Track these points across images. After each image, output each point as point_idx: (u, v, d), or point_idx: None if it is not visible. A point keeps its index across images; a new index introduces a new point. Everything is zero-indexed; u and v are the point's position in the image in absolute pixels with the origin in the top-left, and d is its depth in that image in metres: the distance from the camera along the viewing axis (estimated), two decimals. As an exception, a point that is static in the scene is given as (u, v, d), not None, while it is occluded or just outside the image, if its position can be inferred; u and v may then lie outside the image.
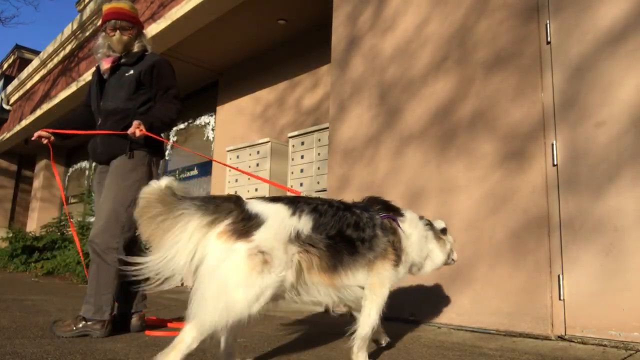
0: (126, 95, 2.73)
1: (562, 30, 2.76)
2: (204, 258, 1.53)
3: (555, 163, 2.67)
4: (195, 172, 8.47)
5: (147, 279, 1.59)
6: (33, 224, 12.40)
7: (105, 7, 2.83)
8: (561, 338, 2.51)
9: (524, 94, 2.83)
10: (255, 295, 1.51)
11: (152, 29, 6.66)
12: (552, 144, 2.69)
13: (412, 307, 3.19)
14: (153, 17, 7.04)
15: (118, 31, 2.78)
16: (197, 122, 8.70)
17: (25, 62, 13.67)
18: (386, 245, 1.79)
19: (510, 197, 2.80)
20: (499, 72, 2.97)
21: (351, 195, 3.75)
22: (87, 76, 8.37)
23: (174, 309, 3.72)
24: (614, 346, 2.32)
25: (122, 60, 2.79)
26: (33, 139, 2.89)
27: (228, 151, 6.17)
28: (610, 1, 2.59)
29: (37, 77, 11.14)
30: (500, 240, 2.80)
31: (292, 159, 5.19)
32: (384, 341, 2.24)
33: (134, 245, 2.60)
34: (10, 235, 10.07)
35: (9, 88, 12.62)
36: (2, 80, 13.85)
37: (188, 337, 1.50)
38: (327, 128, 4.51)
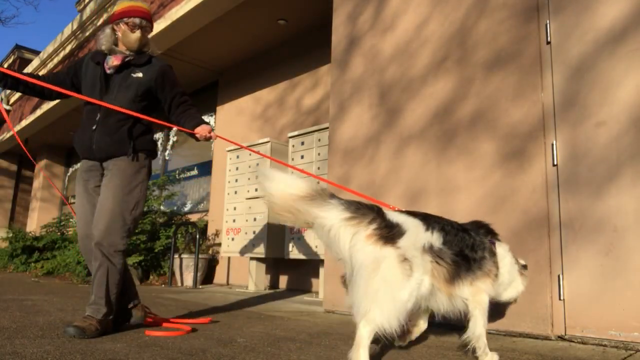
0: (132, 97, 2.72)
1: (562, 30, 2.76)
2: (356, 256, 1.76)
3: (555, 163, 2.67)
4: (195, 172, 8.48)
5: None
6: (33, 224, 12.41)
7: (127, 4, 2.78)
8: (561, 338, 2.51)
9: (524, 94, 2.83)
10: (409, 296, 1.77)
11: (152, 29, 6.66)
12: (552, 144, 2.69)
13: (412, 307, 3.19)
14: (153, 17, 7.03)
15: (140, 30, 2.77)
16: (197, 122, 8.69)
17: (25, 62, 13.68)
18: (491, 266, 2.08)
19: (510, 197, 2.80)
20: (499, 72, 2.97)
21: (351, 196, 3.75)
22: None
23: (173, 309, 3.72)
24: (614, 346, 2.32)
25: (132, 60, 2.77)
26: None
27: (228, 151, 6.17)
28: (610, 1, 2.59)
29: (37, 77, 11.12)
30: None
31: (292, 159, 5.19)
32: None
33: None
34: (10, 235, 10.07)
35: (9, 88, 12.60)
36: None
37: (365, 332, 1.72)
38: (327, 128, 4.51)
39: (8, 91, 12.61)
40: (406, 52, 3.56)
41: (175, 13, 6.20)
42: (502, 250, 2.20)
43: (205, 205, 7.96)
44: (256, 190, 5.59)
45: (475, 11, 3.17)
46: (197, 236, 6.21)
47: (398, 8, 3.67)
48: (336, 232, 1.77)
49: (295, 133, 5.21)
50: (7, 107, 12.93)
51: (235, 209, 5.87)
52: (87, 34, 9.07)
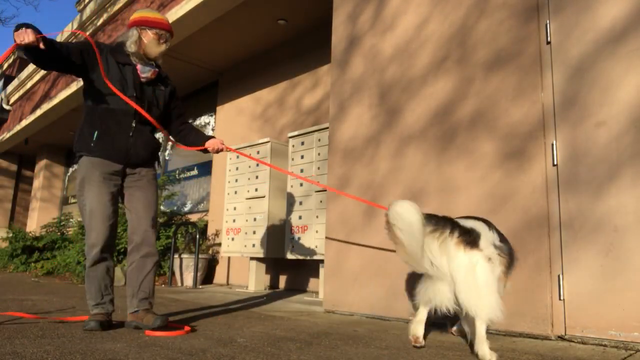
0: (162, 110, 2.89)
1: (562, 30, 2.76)
2: (453, 261, 2.10)
3: (555, 163, 2.67)
4: (195, 172, 8.48)
5: None
6: (33, 224, 12.41)
7: (156, 15, 2.83)
8: (561, 338, 2.51)
9: (524, 94, 2.83)
10: (499, 288, 2.14)
11: (152, 29, 6.66)
12: (552, 144, 2.69)
13: (412, 307, 3.19)
14: (153, 17, 7.02)
15: (165, 44, 2.84)
16: (197, 122, 8.70)
17: (25, 62, 13.66)
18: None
19: (510, 197, 2.80)
20: (499, 72, 2.97)
21: (350, 199, 3.75)
22: (87, 76, 8.35)
23: (173, 309, 3.72)
24: (614, 346, 2.32)
25: (162, 74, 2.90)
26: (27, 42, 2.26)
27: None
28: (610, 1, 2.59)
29: (37, 77, 11.14)
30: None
31: (292, 159, 5.19)
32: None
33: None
34: (10, 235, 10.07)
35: (9, 88, 12.61)
36: (2, 80, 13.85)
37: (483, 329, 2.04)
38: (327, 128, 4.51)
39: (8, 91, 12.62)
40: (406, 52, 3.56)
41: (175, 13, 6.20)
42: None
43: (205, 205, 7.96)
44: (256, 190, 5.59)
45: (475, 11, 3.17)
46: (197, 236, 6.21)
47: (398, 8, 3.67)
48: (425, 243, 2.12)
49: (295, 133, 5.21)
50: (7, 107, 12.92)
51: (235, 209, 5.87)
52: (87, 33, 9.07)
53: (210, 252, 6.94)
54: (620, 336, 2.32)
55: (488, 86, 3.02)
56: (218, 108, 7.92)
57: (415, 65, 3.48)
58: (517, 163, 2.80)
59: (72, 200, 12.41)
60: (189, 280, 6.32)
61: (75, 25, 9.23)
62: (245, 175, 5.82)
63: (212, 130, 8.23)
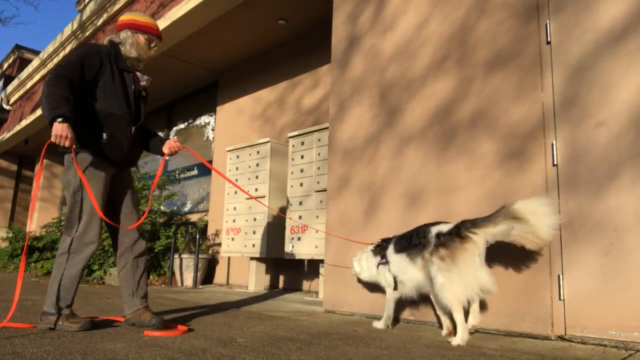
0: (145, 115, 2.92)
1: (562, 30, 2.76)
2: None
3: (555, 163, 2.67)
4: (195, 172, 8.48)
5: None
6: (33, 224, 12.40)
7: (150, 20, 2.88)
8: (561, 338, 2.51)
9: (524, 94, 2.83)
10: None
11: (152, 29, 6.65)
12: (552, 144, 2.69)
13: (412, 307, 3.19)
14: (153, 17, 7.03)
15: (154, 50, 2.91)
16: (197, 122, 8.70)
17: (25, 62, 13.68)
18: None
19: (511, 197, 2.80)
20: (499, 72, 2.97)
21: (351, 195, 3.75)
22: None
23: (173, 309, 3.72)
24: (614, 346, 2.32)
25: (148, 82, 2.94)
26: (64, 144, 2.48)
27: (228, 151, 6.17)
28: (610, 1, 2.59)
29: (37, 77, 11.14)
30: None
31: (292, 159, 5.19)
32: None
33: None
34: (10, 235, 10.07)
35: (9, 88, 12.62)
36: (2, 80, 13.86)
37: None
38: (327, 128, 4.51)
39: (8, 91, 12.62)
40: (406, 52, 3.56)
41: (175, 13, 6.20)
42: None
43: (205, 205, 7.96)
44: (256, 190, 5.59)
45: (475, 11, 3.17)
46: (197, 236, 6.21)
47: (398, 8, 3.67)
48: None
49: (295, 133, 5.21)
50: (7, 107, 12.93)
51: (235, 209, 5.87)
52: (87, 34, 9.07)
53: (210, 252, 6.94)
54: (620, 336, 2.32)
55: (488, 86, 3.02)
56: (218, 108, 7.92)
57: (415, 65, 3.48)
58: (517, 163, 2.80)
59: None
60: (189, 280, 6.32)
61: (75, 26, 9.23)
62: (245, 175, 5.82)
63: (212, 130, 8.23)
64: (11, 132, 12.00)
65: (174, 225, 6.86)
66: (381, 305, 3.39)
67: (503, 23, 3.00)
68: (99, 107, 2.66)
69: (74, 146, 2.50)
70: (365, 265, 3.10)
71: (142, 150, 2.98)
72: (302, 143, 5.10)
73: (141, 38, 2.81)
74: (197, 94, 8.75)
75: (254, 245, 5.48)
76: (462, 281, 2.38)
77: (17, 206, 14.35)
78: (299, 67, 6.49)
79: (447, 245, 2.44)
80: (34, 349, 2.04)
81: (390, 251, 2.88)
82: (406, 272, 2.73)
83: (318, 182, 4.83)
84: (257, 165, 5.65)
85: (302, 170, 5.03)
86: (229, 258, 6.82)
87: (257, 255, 5.46)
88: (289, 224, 5.08)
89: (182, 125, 9.10)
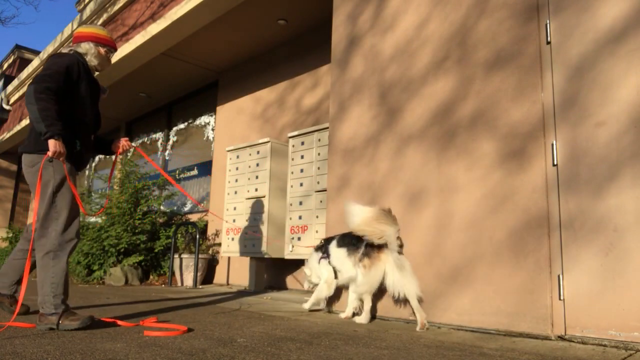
0: None
1: (562, 30, 2.76)
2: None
3: (555, 163, 2.67)
4: (195, 172, 8.48)
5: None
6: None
7: (108, 34, 3.13)
8: (561, 338, 2.51)
9: (524, 94, 2.83)
10: None
11: (152, 29, 6.66)
12: (552, 144, 2.69)
13: (411, 307, 3.19)
14: (153, 17, 7.03)
15: (110, 62, 3.20)
16: (197, 122, 8.70)
17: (25, 62, 13.68)
18: None
19: (510, 196, 2.80)
20: (499, 72, 2.97)
21: (352, 195, 3.75)
22: (87, 76, 8.36)
23: (173, 309, 3.72)
24: (614, 346, 2.32)
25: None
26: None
27: (228, 151, 6.17)
28: (610, 1, 2.59)
29: (37, 77, 11.11)
30: (500, 240, 2.81)
31: (292, 159, 5.19)
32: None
33: None
34: (10, 235, 10.06)
35: (9, 88, 12.61)
36: (2, 80, 13.86)
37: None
38: (327, 128, 4.51)
39: (8, 91, 12.62)
40: (406, 52, 3.56)
41: (175, 13, 6.20)
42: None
43: (205, 205, 7.96)
44: (256, 190, 5.59)
45: (475, 11, 3.17)
46: (197, 236, 6.21)
47: (398, 8, 3.67)
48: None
49: (295, 133, 5.21)
50: (7, 107, 12.92)
51: (235, 209, 5.87)
52: (87, 34, 9.05)
53: (210, 252, 6.94)
54: (620, 336, 2.32)
55: (488, 86, 3.02)
56: (218, 108, 7.92)
57: (415, 65, 3.48)
58: (517, 163, 2.80)
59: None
60: (189, 280, 6.32)
61: (75, 26, 9.23)
62: (245, 175, 5.82)
63: (212, 130, 8.23)
64: (11, 132, 12.00)
65: (174, 225, 6.86)
66: (381, 305, 3.39)
67: (503, 23, 3.00)
68: (74, 116, 2.85)
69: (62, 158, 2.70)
70: (312, 265, 3.58)
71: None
72: (302, 143, 5.10)
73: (102, 50, 3.07)
74: (197, 94, 8.75)
75: (253, 245, 5.48)
76: (373, 280, 3.10)
77: (17, 206, 14.35)
78: (299, 67, 6.49)
79: (369, 255, 3.11)
80: (34, 349, 2.04)
81: (333, 246, 3.43)
82: (344, 264, 3.30)
83: (318, 182, 4.83)
84: (257, 165, 5.65)
85: (302, 170, 5.03)
86: (228, 258, 6.81)
87: (257, 255, 5.46)
88: (288, 224, 5.09)
89: (182, 125, 9.10)
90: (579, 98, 2.63)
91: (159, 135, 9.70)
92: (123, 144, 3.22)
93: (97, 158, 12.09)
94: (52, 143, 2.58)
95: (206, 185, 8.10)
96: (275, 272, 6.17)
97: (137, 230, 6.76)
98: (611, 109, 2.50)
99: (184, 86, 8.71)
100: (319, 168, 4.85)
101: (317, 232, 4.71)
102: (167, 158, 9.31)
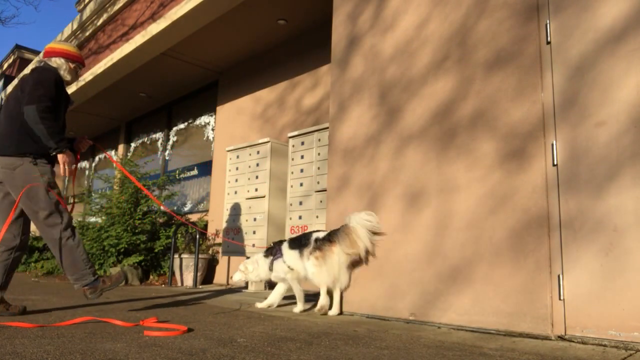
0: None
1: (562, 30, 2.76)
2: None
3: (555, 163, 2.67)
4: (195, 172, 8.48)
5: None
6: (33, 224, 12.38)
7: (78, 51, 3.46)
8: (561, 338, 2.51)
9: (524, 93, 2.83)
10: None
11: (152, 29, 6.67)
12: (552, 144, 2.69)
13: (412, 307, 3.19)
14: (153, 17, 7.04)
15: (78, 76, 3.53)
16: (197, 122, 8.70)
17: (25, 62, 13.69)
18: None
19: (511, 196, 2.81)
20: (499, 72, 2.97)
21: (351, 195, 3.75)
22: (87, 76, 8.38)
23: (173, 308, 3.72)
24: (614, 346, 2.32)
25: None
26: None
27: (228, 151, 6.17)
28: (610, 1, 2.59)
29: (37, 77, 11.12)
30: (500, 240, 2.81)
31: (292, 159, 5.19)
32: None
33: None
34: None
35: (9, 88, 12.62)
36: (2, 80, 13.86)
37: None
38: (327, 128, 4.51)
39: (8, 91, 12.62)
40: (406, 52, 3.56)
41: (175, 13, 6.20)
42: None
43: (205, 205, 7.96)
44: (256, 190, 5.59)
45: (475, 11, 3.17)
46: (197, 236, 6.21)
47: (398, 8, 3.67)
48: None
49: (295, 133, 5.21)
50: (7, 107, 12.92)
51: (235, 208, 5.87)
52: (87, 33, 9.07)
53: (210, 252, 6.95)
54: (620, 336, 2.32)
55: (488, 86, 3.02)
56: (218, 108, 7.92)
57: (415, 65, 3.48)
58: (517, 163, 2.80)
59: (71, 201, 12.39)
60: (189, 280, 6.32)
61: (75, 26, 9.24)
62: (245, 175, 5.82)
63: (212, 130, 8.23)
64: (11, 132, 11.98)
65: (174, 225, 6.86)
66: (382, 305, 3.39)
67: (503, 23, 3.00)
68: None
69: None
70: (258, 267, 3.99)
71: None
72: (302, 143, 5.10)
73: (72, 65, 3.39)
74: (197, 94, 8.75)
75: (254, 245, 5.48)
76: (328, 272, 3.54)
77: (17, 206, 14.32)
78: (299, 67, 6.49)
79: (321, 248, 3.54)
80: (34, 349, 2.04)
81: (285, 247, 3.81)
82: (296, 263, 3.71)
83: (318, 182, 4.83)
84: (257, 165, 5.65)
85: (302, 170, 5.03)
86: (228, 258, 6.81)
87: (257, 255, 5.46)
88: (288, 223, 5.08)
89: (182, 125, 9.10)
90: (579, 98, 2.63)
91: (159, 135, 9.71)
92: (84, 143, 3.48)
93: (97, 158, 12.09)
94: (61, 157, 3.08)
95: (206, 185, 8.10)
96: (275, 272, 6.17)
97: (137, 230, 6.76)
98: (611, 109, 2.50)
99: (184, 86, 8.71)
100: (319, 168, 4.85)
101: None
102: (167, 158, 9.31)
